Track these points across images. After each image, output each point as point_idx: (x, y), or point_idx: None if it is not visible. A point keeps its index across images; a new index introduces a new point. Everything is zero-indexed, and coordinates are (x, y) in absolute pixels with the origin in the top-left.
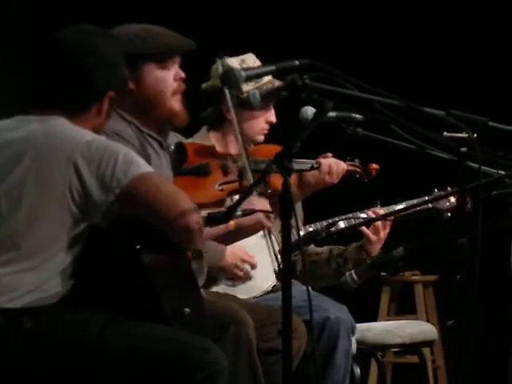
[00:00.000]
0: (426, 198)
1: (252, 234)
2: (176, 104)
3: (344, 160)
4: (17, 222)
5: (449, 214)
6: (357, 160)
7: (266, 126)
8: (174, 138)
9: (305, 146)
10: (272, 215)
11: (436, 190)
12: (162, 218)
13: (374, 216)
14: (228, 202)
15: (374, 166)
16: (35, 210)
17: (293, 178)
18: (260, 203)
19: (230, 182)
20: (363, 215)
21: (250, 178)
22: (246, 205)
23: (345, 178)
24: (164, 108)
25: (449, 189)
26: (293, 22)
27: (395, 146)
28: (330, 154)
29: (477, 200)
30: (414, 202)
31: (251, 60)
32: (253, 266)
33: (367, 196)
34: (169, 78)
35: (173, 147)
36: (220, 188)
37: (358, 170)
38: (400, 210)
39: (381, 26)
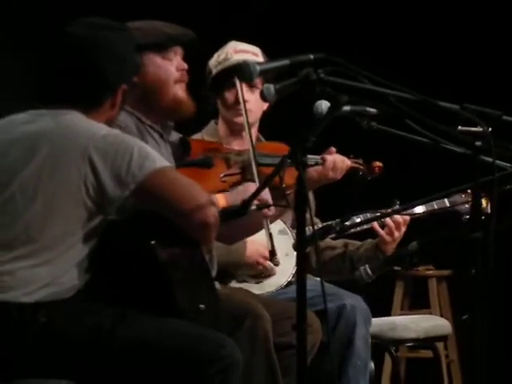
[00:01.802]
0: (446, 199)
1: (254, 228)
2: (180, 92)
3: (347, 157)
4: (32, 216)
5: (467, 217)
6: (360, 159)
7: (238, 107)
8: (176, 137)
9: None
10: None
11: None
12: (179, 212)
13: (392, 224)
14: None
15: (378, 163)
16: (50, 203)
17: (295, 172)
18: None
19: (233, 175)
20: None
21: (253, 172)
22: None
23: (348, 176)
24: (168, 96)
25: (468, 191)
26: (305, 16)
27: (409, 140)
28: (333, 149)
29: (491, 194)
30: (434, 203)
31: (229, 49)
32: (275, 264)
33: (384, 195)
34: (170, 67)
35: (177, 140)
36: (224, 179)
37: (362, 167)
38: (419, 213)
39: (395, 19)
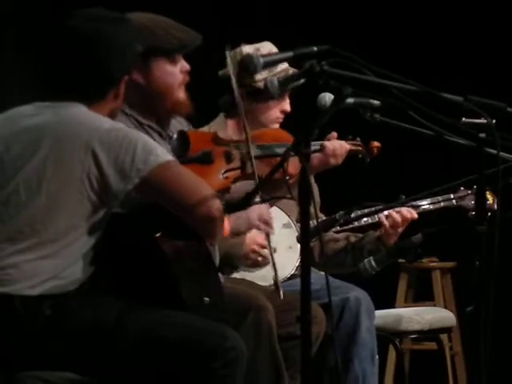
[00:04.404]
0: (452, 195)
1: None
2: (181, 94)
3: (345, 139)
4: (36, 209)
5: (473, 213)
6: (358, 138)
7: (281, 115)
8: (177, 126)
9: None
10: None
11: (462, 188)
12: (184, 206)
13: (399, 218)
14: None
15: (376, 143)
16: (54, 196)
17: (296, 160)
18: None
19: (233, 170)
20: (386, 212)
21: (252, 165)
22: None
23: (347, 158)
24: (172, 100)
25: (474, 187)
26: (309, 8)
27: (413, 132)
28: (335, 134)
29: (495, 186)
30: (439, 199)
31: (267, 48)
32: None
33: (388, 189)
34: (177, 72)
35: (175, 136)
36: (224, 176)
37: (360, 148)
38: (424, 209)
39: (398, 11)
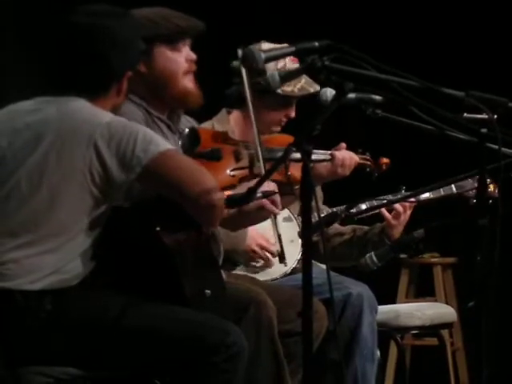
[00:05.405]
0: (453, 185)
1: (259, 220)
2: (189, 83)
3: (355, 152)
4: (37, 204)
5: (474, 201)
6: (368, 153)
7: (284, 119)
8: (186, 124)
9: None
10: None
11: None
12: (186, 194)
13: (400, 207)
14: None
15: (385, 160)
16: (55, 191)
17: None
18: (269, 186)
19: (241, 169)
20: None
21: (261, 166)
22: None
23: (355, 171)
24: (177, 88)
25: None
26: (311, 3)
27: (415, 127)
28: (344, 145)
29: (497, 181)
30: (440, 190)
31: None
32: (273, 254)
33: (390, 182)
34: (180, 59)
35: (186, 131)
36: (232, 174)
37: (369, 163)
38: (425, 198)
39: (399, 6)
